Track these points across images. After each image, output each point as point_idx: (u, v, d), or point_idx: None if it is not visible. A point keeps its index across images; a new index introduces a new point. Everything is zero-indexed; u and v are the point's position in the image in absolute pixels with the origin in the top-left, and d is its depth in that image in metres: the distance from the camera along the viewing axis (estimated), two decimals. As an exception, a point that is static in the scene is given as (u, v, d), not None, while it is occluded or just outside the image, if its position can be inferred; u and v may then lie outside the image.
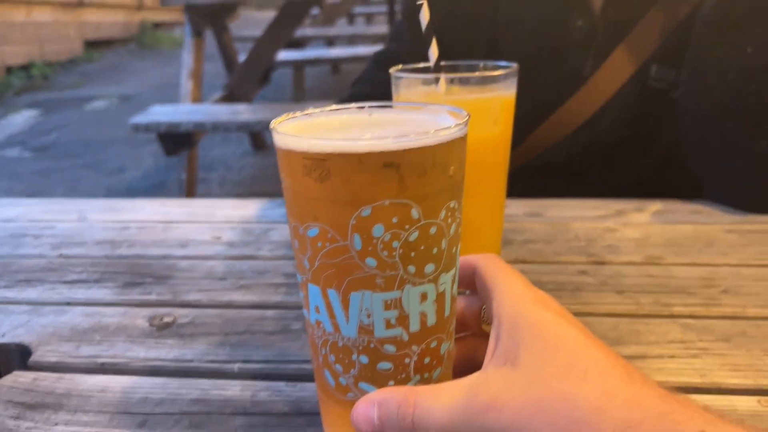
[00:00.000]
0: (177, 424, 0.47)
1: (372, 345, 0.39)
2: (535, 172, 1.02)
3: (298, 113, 0.43)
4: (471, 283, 0.45)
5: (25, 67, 7.30)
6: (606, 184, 0.99)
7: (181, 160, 3.23)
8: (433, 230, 0.38)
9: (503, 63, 0.61)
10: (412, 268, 0.38)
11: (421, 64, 0.63)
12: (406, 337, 0.40)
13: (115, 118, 5.47)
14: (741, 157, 0.84)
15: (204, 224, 0.88)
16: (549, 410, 0.34)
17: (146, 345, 0.58)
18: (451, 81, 0.58)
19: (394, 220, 0.37)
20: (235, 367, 0.54)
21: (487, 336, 0.44)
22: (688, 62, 0.88)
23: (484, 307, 0.46)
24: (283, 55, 4.26)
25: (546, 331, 0.37)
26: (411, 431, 0.37)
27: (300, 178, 0.38)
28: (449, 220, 0.39)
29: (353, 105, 0.44)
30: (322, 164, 0.36)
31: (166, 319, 0.62)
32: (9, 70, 7.08)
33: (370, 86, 1.09)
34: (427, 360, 0.41)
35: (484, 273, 0.43)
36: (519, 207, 0.90)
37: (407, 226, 0.37)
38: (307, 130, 0.42)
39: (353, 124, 0.44)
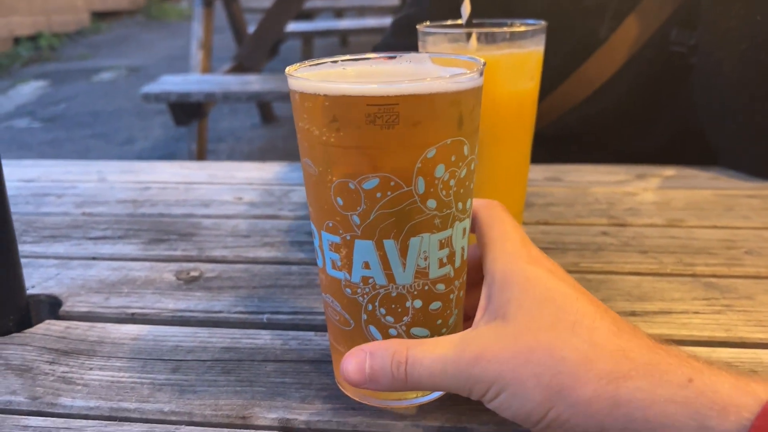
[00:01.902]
0: (210, 370, 0.48)
1: (426, 287, 0.40)
2: (551, 140, 1.01)
3: (306, 63, 0.42)
4: (471, 228, 0.45)
5: (33, 38, 7.27)
6: (622, 152, 0.99)
7: (190, 131, 3.23)
8: (473, 166, 0.40)
9: (531, 20, 0.61)
10: (460, 205, 0.40)
11: (449, 21, 0.63)
12: (452, 273, 0.41)
13: (123, 90, 5.46)
14: (757, 125, 0.84)
15: (224, 185, 0.89)
16: (536, 362, 0.34)
17: (174, 297, 0.59)
18: (484, 37, 0.58)
19: (453, 158, 0.38)
20: (264, 317, 0.55)
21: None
22: (700, 34, 0.87)
23: None
24: (292, 26, 4.23)
25: (536, 287, 0.38)
26: (403, 381, 0.38)
27: (360, 128, 0.36)
28: (475, 155, 0.41)
29: (372, 54, 0.44)
30: (390, 109, 0.35)
31: (193, 274, 0.63)
32: (17, 40, 7.06)
33: (390, 52, 1.08)
34: (461, 293, 0.43)
35: (483, 223, 0.44)
36: (538, 172, 0.90)
37: (460, 163, 0.39)
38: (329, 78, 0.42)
39: (375, 73, 0.44)
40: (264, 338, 0.52)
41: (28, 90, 5.63)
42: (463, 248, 0.41)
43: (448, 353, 0.37)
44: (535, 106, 0.63)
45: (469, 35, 0.58)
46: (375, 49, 1.13)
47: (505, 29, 0.59)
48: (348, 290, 0.41)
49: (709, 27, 0.85)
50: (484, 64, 0.40)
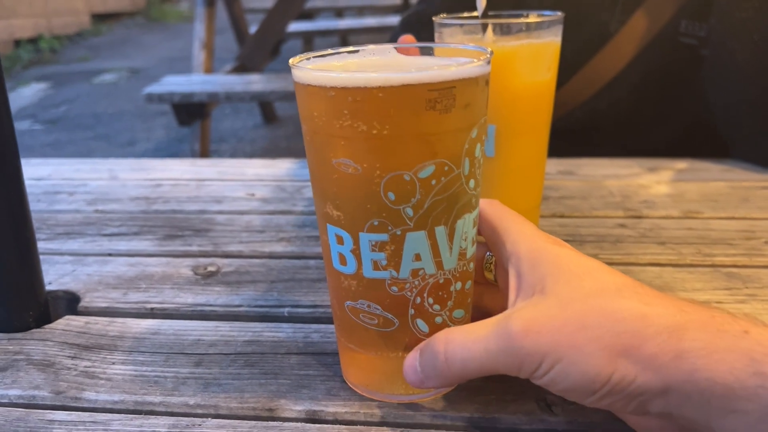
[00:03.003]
0: (233, 363, 0.48)
1: (464, 267, 0.41)
2: (562, 133, 1.01)
3: (310, 54, 0.42)
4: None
5: (34, 41, 7.28)
6: (633, 145, 0.99)
7: (193, 132, 3.23)
8: (491, 142, 0.44)
9: (547, 12, 0.61)
10: (485, 184, 0.42)
11: (465, 14, 0.63)
12: (474, 251, 0.42)
13: (124, 91, 5.46)
14: None
15: (236, 182, 0.89)
16: (591, 326, 0.34)
17: (193, 292, 0.58)
18: (499, 28, 0.58)
19: (484, 137, 0.40)
20: (285, 311, 0.55)
21: (488, 283, 0.46)
22: (712, 25, 0.87)
23: (488, 254, 0.45)
24: (293, 26, 4.23)
25: (569, 262, 0.37)
26: (446, 369, 0.37)
27: (419, 114, 0.36)
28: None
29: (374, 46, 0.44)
30: (449, 93, 0.36)
31: (210, 269, 0.63)
32: (17, 43, 7.06)
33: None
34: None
35: (492, 217, 0.43)
36: (552, 165, 0.90)
37: (486, 141, 0.42)
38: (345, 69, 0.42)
39: (385, 63, 0.44)
40: (286, 331, 0.51)
41: (30, 92, 5.63)
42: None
43: (491, 333, 0.36)
44: (552, 98, 0.63)
45: (485, 27, 0.58)
46: None
47: (522, 20, 0.59)
48: (394, 288, 0.39)
49: (722, 18, 0.85)
50: (489, 51, 0.40)
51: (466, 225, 0.40)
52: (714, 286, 0.56)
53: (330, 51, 0.43)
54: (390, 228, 0.38)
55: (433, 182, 0.37)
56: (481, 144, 0.40)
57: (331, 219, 0.40)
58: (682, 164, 0.89)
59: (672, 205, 0.74)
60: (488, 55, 0.39)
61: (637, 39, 0.93)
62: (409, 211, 0.38)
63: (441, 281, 0.40)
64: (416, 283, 0.39)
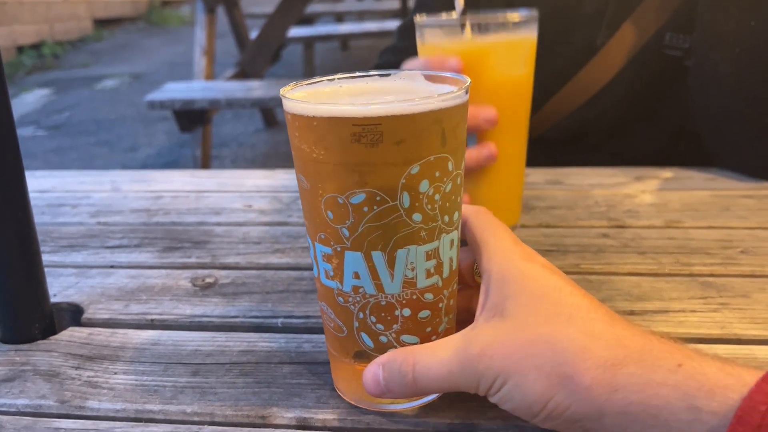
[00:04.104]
0: (228, 372, 0.50)
1: (414, 296, 0.42)
2: (550, 144, 1.04)
3: (303, 82, 0.45)
4: (462, 235, 0.47)
5: (36, 47, 7.32)
6: (620, 155, 1.01)
7: (195, 138, 3.26)
8: (459, 180, 0.42)
9: (523, 10, 0.64)
10: (446, 218, 0.42)
11: (443, 15, 0.66)
12: (440, 283, 0.43)
13: (126, 97, 5.49)
14: (755, 128, 0.86)
15: (234, 193, 0.91)
16: (536, 354, 0.36)
17: (191, 303, 0.61)
18: (477, 27, 0.61)
19: (437, 174, 0.40)
20: (279, 322, 0.57)
21: (479, 287, 0.47)
22: (695, 38, 0.89)
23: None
24: (294, 31, 4.26)
25: (532, 283, 0.40)
26: (413, 387, 0.40)
27: (346, 146, 0.38)
28: (463, 171, 0.43)
29: (358, 73, 0.47)
30: (374, 128, 0.37)
31: (208, 280, 0.65)
32: (20, 49, 7.10)
33: (395, 56, 1.10)
34: (452, 302, 0.45)
35: (474, 227, 0.45)
36: (539, 175, 0.93)
37: (445, 179, 0.41)
38: (320, 98, 0.44)
39: (367, 90, 0.46)
40: (279, 341, 0.54)
41: (32, 98, 5.67)
42: (451, 259, 0.43)
43: (453, 356, 0.39)
44: (530, 94, 0.66)
45: (463, 26, 0.61)
46: (382, 54, 1.15)
47: (498, 18, 0.62)
48: (340, 299, 0.43)
49: (705, 30, 0.87)
50: (469, 82, 0.42)
51: (413, 256, 0.41)
52: (690, 295, 0.59)
53: (360, 73, 0.47)
54: (332, 243, 0.41)
55: (365, 209, 0.39)
56: (432, 180, 0.40)
57: (305, 225, 0.45)
58: (667, 173, 0.92)
59: (655, 215, 0.77)
60: (427, 95, 0.39)
61: (624, 52, 0.96)
62: (345, 232, 0.40)
63: (383, 303, 0.42)
64: (358, 299, 0.42)
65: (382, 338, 0.43)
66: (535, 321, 0.38)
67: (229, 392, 0.48)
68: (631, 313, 0.56)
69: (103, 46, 8.14)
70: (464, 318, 0.48)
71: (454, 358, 0.39)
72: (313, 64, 4.82)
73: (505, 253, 0.42)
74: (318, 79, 0.46)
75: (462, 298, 0.48)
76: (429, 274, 0.42)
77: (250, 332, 0.56)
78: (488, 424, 0.43)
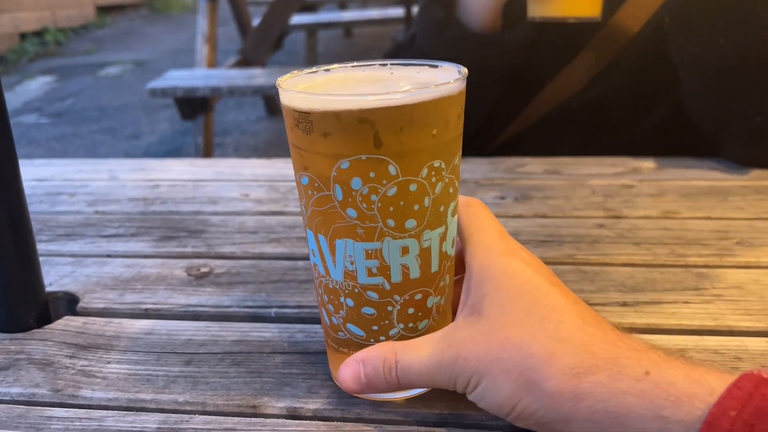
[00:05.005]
0: (220, 362, 0.51)
1: (356, 290, 0.42)
2: (553, 125, 1.03)
3: (317, 68, 0.46)
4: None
5: (39, 33, 7.31)
6: (622, 140, 1.01)
7: (197, 125, 3.26)
8: (413, 187, 0.40)
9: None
10: (391, 222, 0.40)
11: None
12: (387, 287, 0.42)
13: (129, 84, 5.49)
14: (730, 135, 0.87)
15: (232, 182, 0.91)
16: (506, 358, 0.37)
17: (186, 293, 0.61)
18: None
19: (372, 174, 0.39)
20: (272, 311, 0.57)
21: None
22: (671, 52, 0.90)
23: None
24: (296, 18, 4.25)
25: (510, 281, 0.40)
26: (396, 385, 0.41)
27: (292, 130, 0.41)
28: (433, 179, 0.40)
29: (377, 62, 0.46)
30: (306, 117, 0.39)
31: (203, 270, 0.66)
32: (23, 36, 7.09)
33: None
34: (411, 311, 0.43)
35: (463, 221, 0.45)
36: (538, 165, 0.92)
37: (385, 181, 0.39)
38: (314, 86, 0.44)
39: (365, 80, 0.45)
40: (272, 331, 0.54)
41: (35, 86, 5.67)
42: (404, 266, 0.41)
43: (432, 354, 0.40)
44: None
45: None
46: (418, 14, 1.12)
47: None
48: (312, 269, 0.46)
49: (676, 51, 0.89)
50: (408, 90, 0.38)
51: (351, 250, 0.41)
52: (683, 286, 0.59)
53: (367, 62, 0.47)
54: (302, 217, 0.44)
55: (310, 192, 0.41)
56: (367, 180, 0.39)
57: None
58: (665, 162, 0.91)
59: (652, 205, 0.77)
60: (358, 92, 0.40)
61: (624, 31, 0.95)
62: (303, 209, 0.43)
63: (330, 286, 0.44)
64: (316, 275, 0.45)
65: (334, 319, 0.45)
66: (509, 322, 0.38)
67: (221, 382, 0.48)
68: (624, 304, 0.56)
69: (106, 33, 8.13)
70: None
71: (433, 358, 0.40)
72: (315, 52, 4.80)
73: (487, 249, 0.42)
74: (317, 68, 0.46)
75: (460, 289, 0.48)
76: (371, 273, 0.41)
77: (244, 322, 0.56)
78: (477, 415, 0.43)
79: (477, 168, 0.93)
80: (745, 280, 0.59)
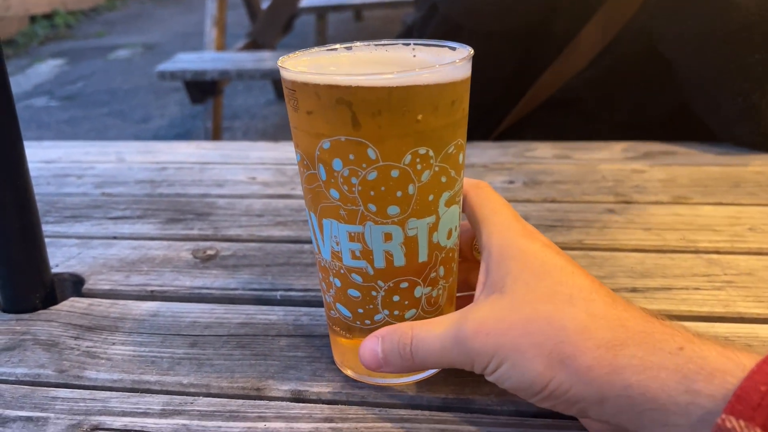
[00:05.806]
0: (225, 344, 0.50)
1: (342, 271, 0.42)
2: (559, 104, 1.02)
3: (339, 46, 0.44)
4: (462, 209, 0.45)
5: (49, 16, 7.30)
6: (630, 120, 0.99)
7: (206, 109, 3.26)
8: (394, 173, 0.38)
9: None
10: (372, 207, 0.39)
11: None
12: (371, 272, 0.41)
13: (139, 67, 5.48)
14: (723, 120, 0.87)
15: (239, 165, 0.91)
16: (535, 331, 0.35)
17: (192, 275, 0.61)
18: None
19: (351, 156, 0.38)
20: (278, 294, 0.57)
21: (477, 261, 0.46)
22: (663, 50, 0.90)
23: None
24: (306, 1, 4.22)
25: (533, 261, 0.39)
26: (410, 361, 0.40)
27: (288, 105, 0.41)
28: (419, 167, 0.39)
29: (400, 41, 0.44)
30: (293, 94, 0.39)
31: (209, 252, 0.65)
32: (33, 19, 7.09)
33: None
34: (396, 298, 0.42)
35: (473, 203, 0.44)
36: (548, 149, 0.91)
37: (364, 165, 0.38)
38: (320, 65, 0.43)
39: (366, 61, 0.44)
40: (277, 314, 0.54)
41: (46, 69, 5.68)
42: (388, 252, 0.41)
43: (448, 330, 0.38)
44: None
45: None
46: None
47: None
48: None
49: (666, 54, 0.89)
50: (395, 73, 0.36)
51: (335, 230, 0.41)
52: (694, 272, 0.58)
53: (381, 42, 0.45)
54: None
55: (302, 169, 0.42)
56: (347, 162, 0.38)
57: None
58: (677, 148, 0.90)
59: (663, 191, 0.76)
60: (339, 71, 0.40)
61: (628, 6, 0.94)
62: (301, 186, 0.44)
63: (322, 264, 0.44)
64: (315, 251, 0.45)
65: (327, 297, 0.45)
66: (535, 298, 0.37)
67: (226, 364, 0.48)
68: (634, 290, 0.55)
69: (116, 16, 8.11)
70: (462, 291, 0.48)
71: (449, 333, 0.38)
72: (325, 35, 4.77)
73: (506, 230, 0.41)
74: (327, 47, 0.45)
75: (460, 271, 0.48)
76: (354, 256, 0.41)
77: (249, 305, 0.56)
78: (483, 400, 0.43)
79: (485, 152, 0.92)
80: (756, 267, 0.58)
